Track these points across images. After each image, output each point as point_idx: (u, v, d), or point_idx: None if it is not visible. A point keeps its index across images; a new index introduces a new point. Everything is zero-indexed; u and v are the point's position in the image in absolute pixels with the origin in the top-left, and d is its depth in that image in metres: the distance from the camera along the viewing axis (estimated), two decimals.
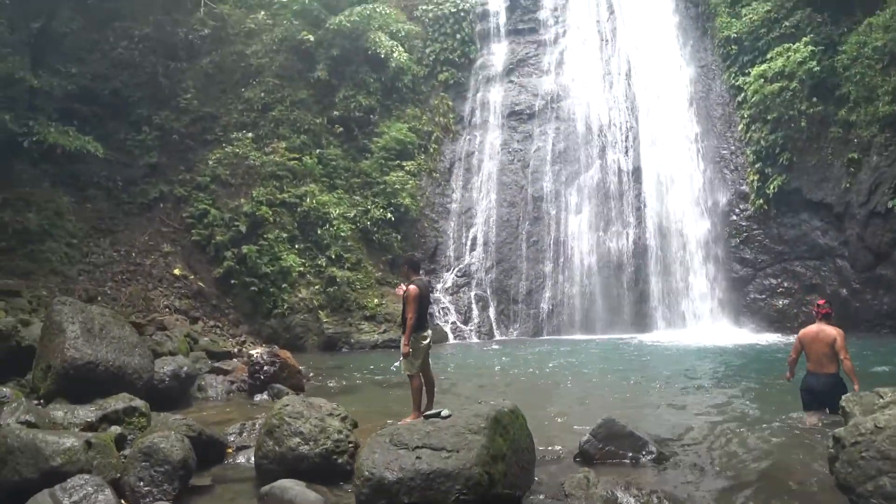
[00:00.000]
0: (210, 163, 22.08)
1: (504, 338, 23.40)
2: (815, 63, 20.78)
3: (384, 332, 21.34)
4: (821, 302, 8.28)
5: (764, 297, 22.27)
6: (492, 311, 23.99)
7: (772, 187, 21.95)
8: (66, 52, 21.52)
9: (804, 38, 21.38)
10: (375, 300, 22.08)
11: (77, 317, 9.52)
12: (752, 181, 22.64)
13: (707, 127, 24.12)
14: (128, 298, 18.22)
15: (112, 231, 20.67)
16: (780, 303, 21.97)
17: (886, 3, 19.39)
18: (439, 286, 24.25)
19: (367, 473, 5.89)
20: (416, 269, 10.03)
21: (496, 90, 26.49)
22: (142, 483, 6.54)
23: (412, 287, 9.26)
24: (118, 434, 7.76)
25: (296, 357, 14.35)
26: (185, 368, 11.51)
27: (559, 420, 10.16)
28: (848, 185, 20.52)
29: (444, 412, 6.74)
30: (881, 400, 6.88)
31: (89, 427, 8.13)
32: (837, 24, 21.45)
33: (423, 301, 9.34)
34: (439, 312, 23.53)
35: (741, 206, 23.04)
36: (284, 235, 21.72)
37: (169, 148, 23.00)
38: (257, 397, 12.33)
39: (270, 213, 21.76)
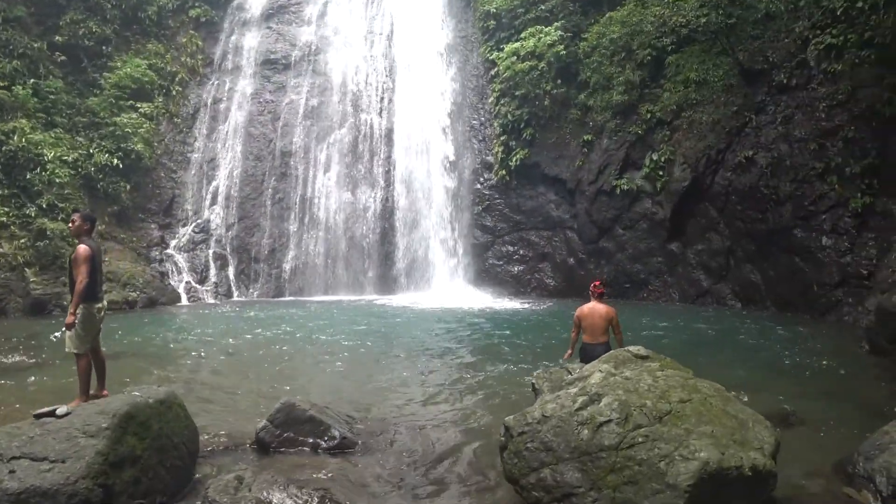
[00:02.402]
0: None
1: (243, 298, 23.29)
2: (562, 48, 22.38)
3: (106, 292, 20.26)
4: (597, 283, 9.03)
5: (501, 263, 23.85)
6: (231, 271, 23.76)
7: (514, 160, 23.42)
8: None
9: (556, 23, 22.94)
10: None
11: None
12: (498, 153, 24.01)
13: (462, 97, 25.13)
14: None
15: None
16: (516, 269, 23.65)
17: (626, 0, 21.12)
18: (173, 243, 23.61)
19: None
20: (91, 227, 8.84)
21: (252, 35, 25.86)
22: None
23: (82, 247, 8.16)
24: None
25: None
26: None
27: (258, 400, 9.42)
28: (581, 163, 22.34)
29: (62, 409, 5.90)
30: (568, 377, 6.74)
31: None
32: (587, 14, 23.30)
33: (95, 263, 8.29)
34: (173, 271, 22.94)
35: (486, 176, 24.38)
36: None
37: None
38: None
39: None
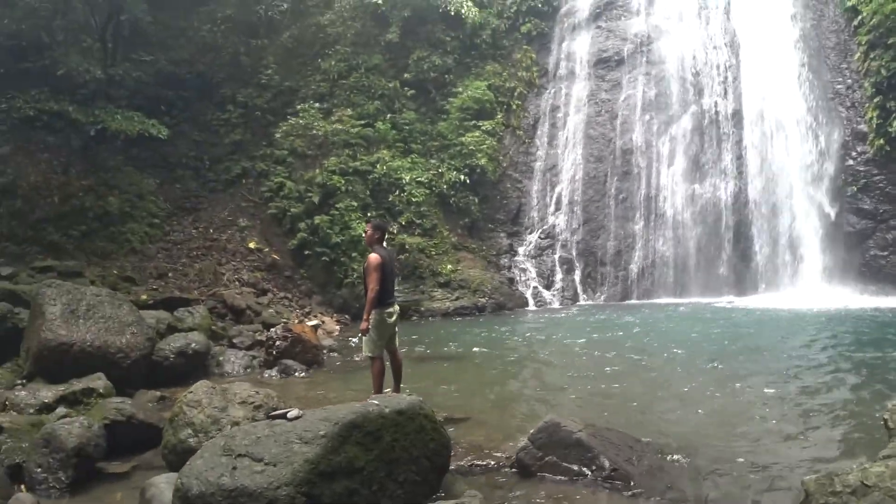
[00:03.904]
0: (278, 135, 23.83)
1: (590, 302, 23.45)
2: None
3: (457, 299, 22.12)
4: None
5: (887, 253, 20.54)
6: (577, 275, 24.08)
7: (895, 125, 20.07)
8: (151, 41, 24.19)
9: None
10: (450, 266, 22.95)
11: (61, 299, 10.45)
12: (872, 118, 20.79)
13: (819, 60, 22.37)
14: (197, 273, 20.40)
15: (195, 209, 23.19)
16: None
17: None
18: (521, 250, 24.73)
19: (178, 483, 5.25)
20: (382, 236, 9.57)
21: (582, 38, 26.13)
22: (39, 469, 6.79)
23: (373, 255, 8.83)
24: (62, 415, 8.24)
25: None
26: (194, 344, 12.19)
27: (537, 412, 9.04)
28: None
29: (293, 413, 5.89)
30: None
31: (45, 408, 8.82)
32: None
33: (385, 271, 8.83)
34: (520, 277, 24.05)
35: (859, 149, 21.28)
36: (355, 204, 22.98)
37: (252, 124, 25.17)
38: (267, 373, 12.77)
39: (342, 181, 23.15)
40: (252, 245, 22.40)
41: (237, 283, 20.99)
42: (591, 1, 26.38)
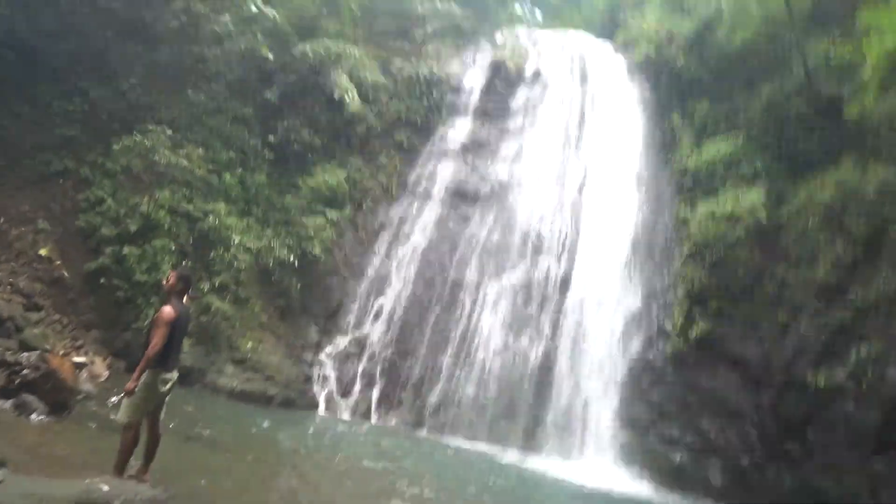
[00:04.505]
0: (116, 147, 22.18)
1: (380, 423, 22.80)
2: (764, 212, 21.16)
3: (248, 380, 21.04)
4: None
5: (663, 448, 21.68)
6: (375, 392, 23.50)
7: (696, 332, 21.81)
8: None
9: (759, 185, 21.85)
10: (251, 343, 21.83)
11: None
12: (678, 321, 22.54)
13: (647, 255, 24.37)
14: None
15: None
16: (679, 458, 21.28)
17: (841, 159, 19.88)
18: (328, 349, 23.99)
19: None
20: (184, 289, 8.61)
21: (448, 164, 27.09)
22: None
23: (167, 309, 7.91)
24: None
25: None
26: None
27: None
28: (771, 347, 20.41)
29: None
30: None
31: None
32: (795, 175, 21.75)
33: (177, 330, 7.94)
34: (319, 377, 23.22)
35: (660, 346, 22.88)
36: (173, 247, 21.61)
37: (93, 126, 23.34)
38: None
39: (168, 219, 21.79)
40: (44, 252, 20.24)
41: (9, 287, 18.71)
42: (466, 132, 27.63)
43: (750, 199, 21.53)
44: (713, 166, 23.49)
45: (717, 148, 23.64)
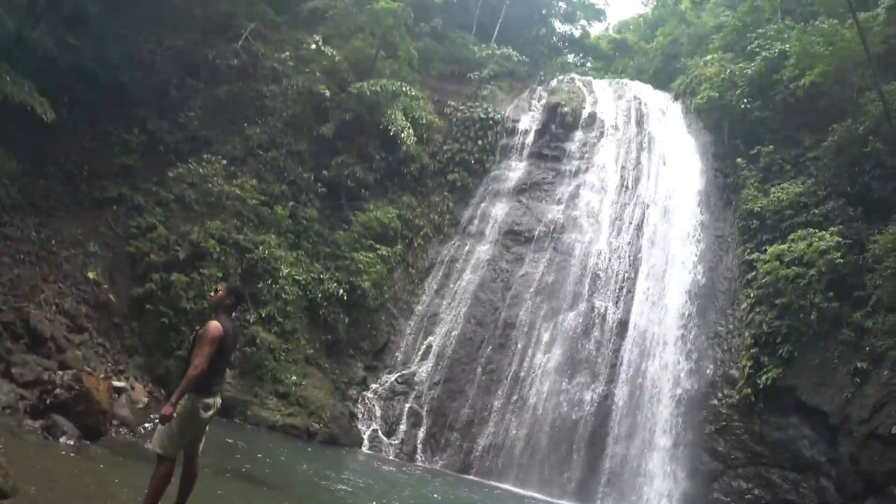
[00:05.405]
0: (171, 175, 22.23)
1: (426, 465, 21.80)
2: (838, 255, 20.09)
3: (290, 415, 20.37)
4: None
5: (729, 500, 20.31)
6: (422, 432, 22.56)
7: (764, 379, 20.54)
8: (90, 30, 22.51)
9: (832, 228, 20.87)
10: (295, 377, 21.14)
11: None
12: (744, 367, 21.36)
13: (709, 299, 23.33)
14: (11, 278, 17.77)
15: (48, 212, 20.80)
16: None
17: None
18: (374, 387, 23.22)
19: None
20: (233, 304, 7.47)
21: (501, 205, 26.71)
22: None
23: (214, 324, 6.70)
24: None
25: None
26: None
27: None
28: (850, 396, 19.04)
29: None
30: None
31: None
32: (870, 221, 20.97)
33: (224, 349, 6.79)
34: (364, 415, 22.39)
35: (725, 392, 21.66)
36: (221, 276, 21.28)
37: (151, 156, 23.51)
38: (28, 423, 10.21)
39: (218, 248, 21.49)
40: (92, 275, 20.02)
41: (54, 307, 18.37)
42: (519, 175, 27.28)
43: (823, 242, 20.52)
44: (781, 209, 22.63)
45: (786, 191, 22.83)
